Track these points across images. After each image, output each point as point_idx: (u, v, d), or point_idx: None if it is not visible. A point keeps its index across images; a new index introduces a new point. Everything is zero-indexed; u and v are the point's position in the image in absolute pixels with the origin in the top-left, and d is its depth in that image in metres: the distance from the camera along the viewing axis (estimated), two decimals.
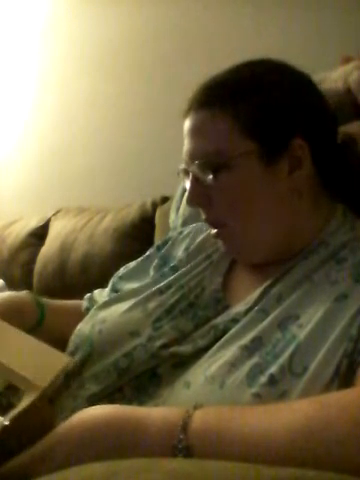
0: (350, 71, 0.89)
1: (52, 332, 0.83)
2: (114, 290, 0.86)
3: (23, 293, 0.86)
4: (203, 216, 0.71)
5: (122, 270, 0.90)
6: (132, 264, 0.90)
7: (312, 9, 1.50)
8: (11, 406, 0.52)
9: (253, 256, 0.70)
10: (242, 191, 0.66)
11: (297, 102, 0.67)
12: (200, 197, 0.69)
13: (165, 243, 0.88)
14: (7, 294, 0.86)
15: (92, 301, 0.90)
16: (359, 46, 1.25)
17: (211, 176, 0.66)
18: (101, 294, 0.90)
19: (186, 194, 0.70)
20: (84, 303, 0.91)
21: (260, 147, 0.65)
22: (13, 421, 0.48)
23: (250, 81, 0.67)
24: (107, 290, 0.89)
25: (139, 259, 0.89)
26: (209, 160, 0.66)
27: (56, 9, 2.20)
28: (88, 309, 0.85)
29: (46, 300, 0.88)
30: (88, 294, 0.93)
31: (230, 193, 0.66)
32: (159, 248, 0.88)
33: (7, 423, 0.48)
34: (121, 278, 0.87)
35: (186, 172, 0.71)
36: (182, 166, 0.72)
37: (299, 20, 1.53)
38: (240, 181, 0.66)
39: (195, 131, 0.68)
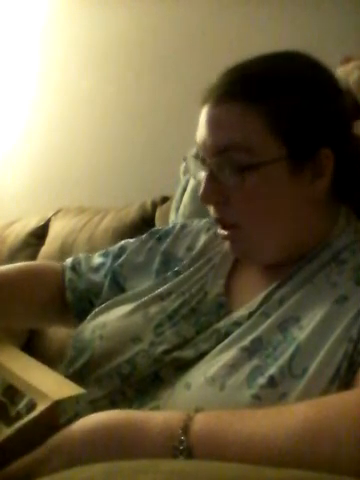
0: (350, 71, 0.89)
1: None
2: (115, 281, 0.82)
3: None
4: (214, 215, 0.68)
5: (123, 257, 0.84)
6: (131, 246, 0.85)
7: (312, 9, 1.50)
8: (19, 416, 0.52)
9: (262, 258, 0.69)
10: (265, 195, 0.63)
11: (330, 110, 0.65)
12: (216, 195, 0.65)
13: (166, 236, 0.84)
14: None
15: (77, 271, 0.85)
16: (359, 46, 1.25)
17: (237, 176, 0.62)
18: (89, 263, 0.86)
19: (200, 190, 0.65)
20: (67, 274, 0.84)
21: (290, 153, 0.63)
22: (21, 430, 0.49)
23: (288, 79, 0.64)
24: (97, 260, 0.86)
25: (137, 242, 0.85)
26: (234, 157, 0.62)
27: (56, 9, 2.20)
28: (71, 280, 0.83)
29: None
30: (69, 261, 0.87)
31: (253, 195, 0.63)
32: (160, 239, 0.83)
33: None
34: (121, 266, 0.83)
35: (202, 162, 0.67)
36: (193, 153, 0.68)
37: (299, 20, 1.53)
38: (266, 185, 0.63)
39: (220, 122, 0.64)
